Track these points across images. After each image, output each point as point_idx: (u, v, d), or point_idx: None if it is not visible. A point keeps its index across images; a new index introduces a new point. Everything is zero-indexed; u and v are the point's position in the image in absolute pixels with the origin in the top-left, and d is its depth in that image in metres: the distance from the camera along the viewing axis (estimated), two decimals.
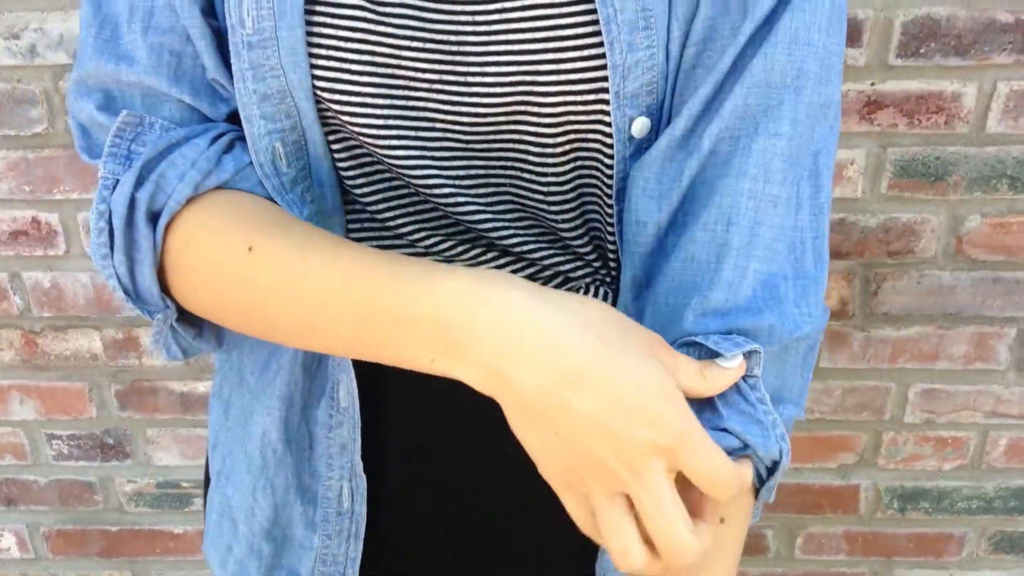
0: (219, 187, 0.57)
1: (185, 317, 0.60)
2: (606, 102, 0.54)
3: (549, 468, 0.48)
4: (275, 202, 0.59)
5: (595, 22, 0.53)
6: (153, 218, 0.56)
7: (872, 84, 1.11)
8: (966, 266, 1.21)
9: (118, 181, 0.56)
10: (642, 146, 0.56)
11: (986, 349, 1.26)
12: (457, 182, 0.59)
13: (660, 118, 0.56)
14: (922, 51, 1.09)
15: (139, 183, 0.55)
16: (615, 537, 0.48)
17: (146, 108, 0.58)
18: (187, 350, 0.61)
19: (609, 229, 0.59)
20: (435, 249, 0.62)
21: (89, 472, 1.42)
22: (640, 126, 0.55)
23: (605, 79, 0.54)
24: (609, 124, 0.55)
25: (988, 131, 1.13)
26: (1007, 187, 1.16)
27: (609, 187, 0.57)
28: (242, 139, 0.59)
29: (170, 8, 0.56)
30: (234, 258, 0.54)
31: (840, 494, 1.38)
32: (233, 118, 0.59)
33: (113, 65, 0.57)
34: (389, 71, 0.55)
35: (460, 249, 0.62)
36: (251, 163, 0.58)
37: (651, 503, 0.46)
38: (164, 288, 0.58)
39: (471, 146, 0.57)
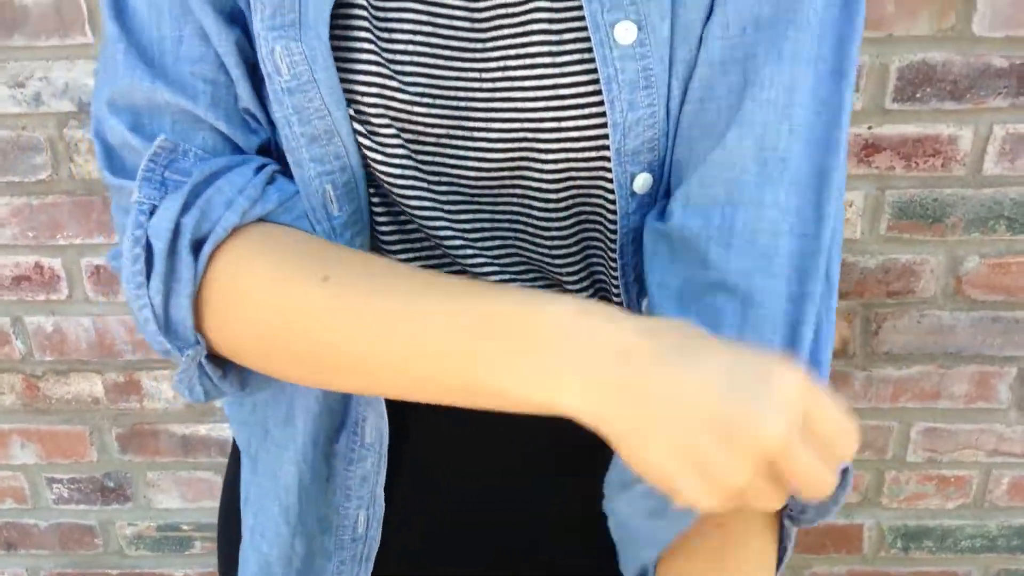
0: (262, 219, 0.55)
1: (213, 356, 0.56)
2: (607, 159, 0.55)
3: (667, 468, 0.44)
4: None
5: (596, 81, 0.54)
6: (196, 246, 0.53)
7: (869, 128, 1.12)
8: (966, 306, 1.21)
9: (155, 207, 0.53)
10: (645, 200, 0.57)
11: (987, 388, 1.26)
12: (466, 234, 0.60)
13: (662, 174, 0.57)
14: (918, 95, 1.10)
15: (185, 208, 0.53)
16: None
17: (176, 134, 0.56)
18: (210, 392, 0.58)
19: (613, 281, 0.60)
20: None
21: (89, 516, 1.41)
22: (642, 182, 0.56)
23: (606, 136, 0.55)
24: (611, 180, 0.56)
25: (985, 173, 1.14)
26: (1005, 228, 1.16)
27: (612, 241, 0.58)
28: (282, 172, 0.58)
29: (200, 37, 0.55)
30: (307, 287, 0.50)
31: (844, 533, 1.38)
32: (263, 151, 0.59)
33: (149, 82, 0.55)
34: (401, 123, 0.56)
35: None
36: (295, 195, 0.57)
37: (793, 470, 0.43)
38: (196, 323, 0.54)
39: (477, 199, 0.58)
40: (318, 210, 0.57)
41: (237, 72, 0.56)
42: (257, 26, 0.55)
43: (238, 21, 0.56)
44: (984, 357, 1.24)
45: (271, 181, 0.56)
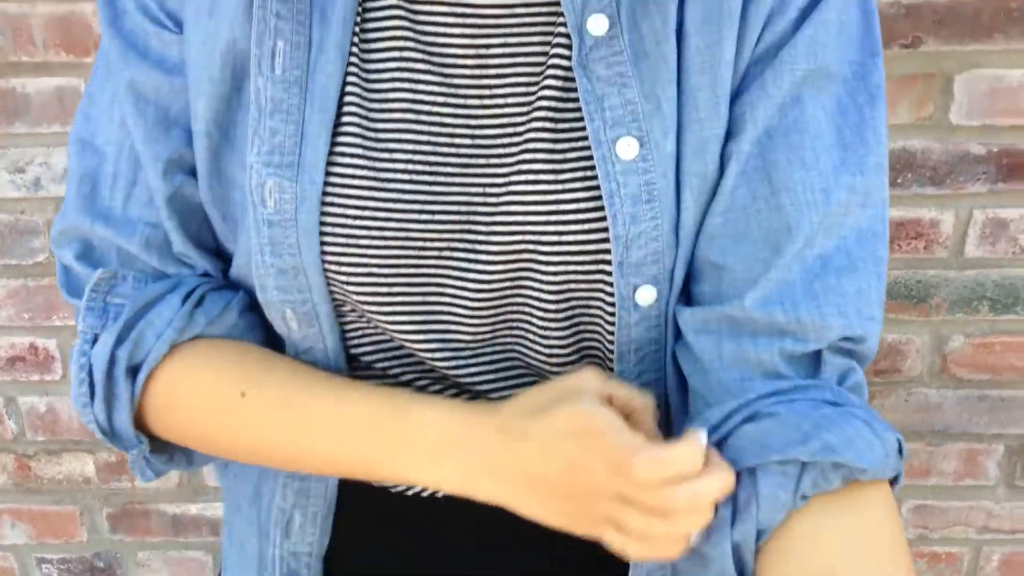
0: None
1: (157, 446, 0.65)
2: (607, 272, 0.56)
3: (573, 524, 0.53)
4: (244, 340, 0.63)
5: (596, 197, 0.56)
6: (132, 371, 0.61)
7: None
8: (952, 384, 1.23)
9: (96, 336, 0.60)
10: (649, 313, 0.58)
11: (975, 465, 1.27)
12: (460, 350, 0.61)
13: (669, 287, 0.58)
14: (899, 181, 1.13)
15: (119, 341, 0.60)
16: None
17: (120, 260, 0.63)
18: (159, 472, 0.67)
19: None
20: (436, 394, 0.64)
21: None
22: (645, 295, 0.57)
23: (606, 251, 0.56)
24: (609, 292, 0.57)
25: (967, 256, 1.16)
26: (988, 309, 1.18)
27: (611, 351, 0.59)
28: (212, 290, 0.63)
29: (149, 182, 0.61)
30: (227, 403, 0.59)
31: None
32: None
33: (90, 224, 0.62)
34: (398, 244, 0.57)
35: (463, 397, 0.64)
36: (224, 309, 0.62)
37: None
38: (140, 424, 0.63)
39: (478, 312, 0.59)
40: (278, 323, 0.61)
41: (169, 224, 0.61)
42: (251, 157, 0.57)
43: (183, 167, 0.61)
44: (972, 435, 1.25)
45: (199, 303, 0.62)
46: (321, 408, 0.57)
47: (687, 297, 0.60)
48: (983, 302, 1.18)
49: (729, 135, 0.57)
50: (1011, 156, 1.12)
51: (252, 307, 0.64)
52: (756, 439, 0.53)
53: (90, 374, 0.61)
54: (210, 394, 0.60)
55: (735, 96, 0.57)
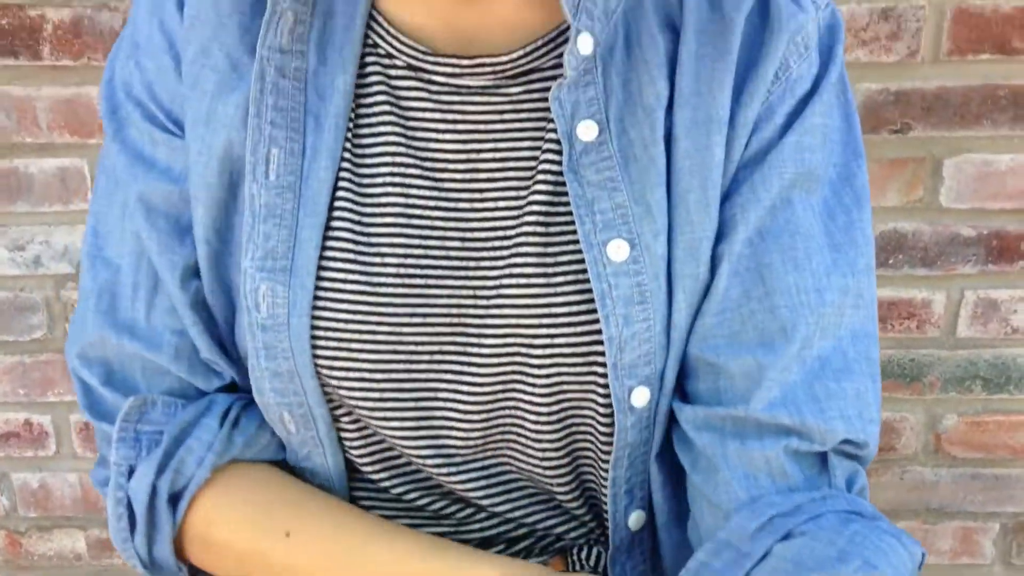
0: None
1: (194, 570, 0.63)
2: (599, 375, 0.57)
3: None
4: (289, 469, 0.62)
5: (588, 300, 0.56)
6: (173, 500, 0.59)
7: None
8: (947, 463, 1.23)
9: (132, 467, 0.59)
10: (643, 415, 0.58)
11: (971, 544, 1.27)
12: (452, 456, 0.61)
13: (660, 387, 0.58)
14: (891, 262, 1.14)
15: (160, 471, 0.58)
16: None
17: (146, 379, 0.61)
18: None
19: (603, 490, 0.61)
20: (429, 509, 0.63)
21: None
22: (640, 396, 0.57)
23: (598, 352, 0.56)
24: (602, 395, 0.57)
25: (959, 335, 1.17)
26: (981, 388, 1.19)
27: (605, 454, 0.59)
28: (245, 407, 0.62)
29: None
30: (271, 543, 0.58)
31: None
32: (228, 387, 0.63)
33: (115, 338, 0.60)
34: (390, 348, 0.58)
35: (454, 509, 0.63)
36: (256, 430, 0.62)
37: None
38: (178, 552, 0.61)
39: (470, 416, 0.59)
40: (277, 426, 0.61)
41: (195, 330, 0.61)
42: (246, 262, 0.58)
43: (197, 273, 0.61)
44: (967, 513, 1.25)
45: (236, 424, 0.61)
46: (374, 557, 0.57)
47: (682, 393, 0.60)
48: (976, 381, 1.19)
49: (720, 236, 0.58)
50: (1001, 238, 1.13)
51: None
52: (792, 558, 0.53)
53: (129, 507, 0.59)
54: (251, 529, 0.59)
55: (725, 198, 0.58)
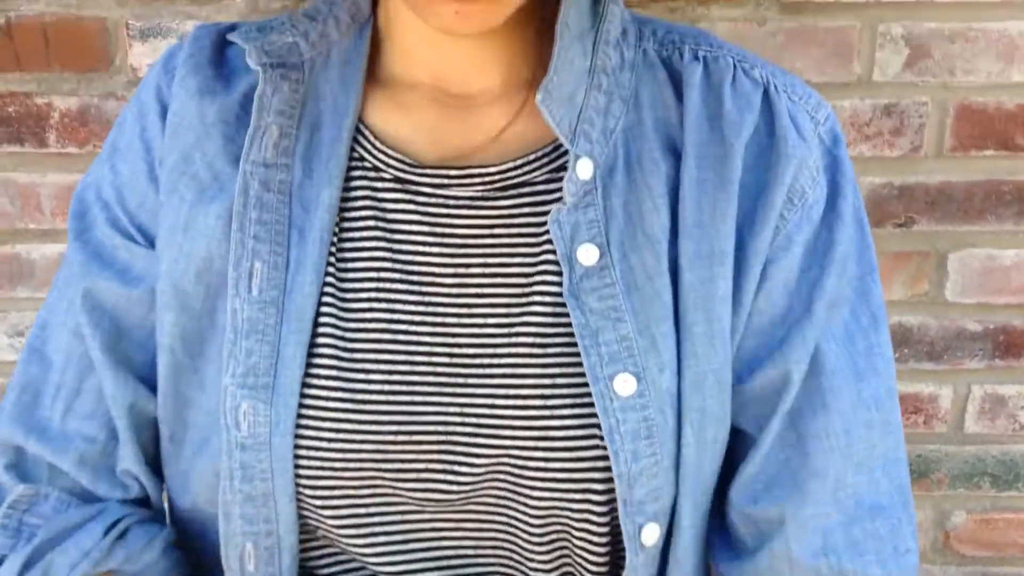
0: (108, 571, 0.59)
1: None
2: (594, 502, 0.56)
3: None
4: None
5: (587, 426, 0.55)
6: None
7: None
8: (955, 560, 1.20)
9: (4, 557, 0.57)
10: (651, 554, 0.57)
11: None
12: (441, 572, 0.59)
13: (671, 522, 0.57)
14: (897, 356, 1.13)
15: (27, 566, 0.56)
16: None
17: (49, 477, 0.61)
18: None
19: None
20: None
21: None
22: (649, 533, 0.56)
23: (594, 480, 0.55)
24: (597, 523, 0.56)
25: (966, 431, 1.15)
26: (990, 484, 1.17)
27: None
28: (137, 523, 0.60)
29: (97, 394, 0.60)
30: None
31: None
32: (138, 500, 0.62)
33: (23, 436, 0.60)
34: (375, 465, 0.56)
35: None
36: (145, 546, 0.59)
37: None
38: None
39: (460, 527, 0.58)
40: (232, 560, 0.58)
41: (126, 435, 0.60)
42: (226, 379, 0.56)
43: (144, 380, 0.60)
44: None
45: (121, 536, 0.59)
46: None
47: (723, 540, 0.61)
48: (984, 478, 1.17)
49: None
50: (1007, 334, 1.12)
51: (179, 543, 0.62)
52: None
53: None
54: None
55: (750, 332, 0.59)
